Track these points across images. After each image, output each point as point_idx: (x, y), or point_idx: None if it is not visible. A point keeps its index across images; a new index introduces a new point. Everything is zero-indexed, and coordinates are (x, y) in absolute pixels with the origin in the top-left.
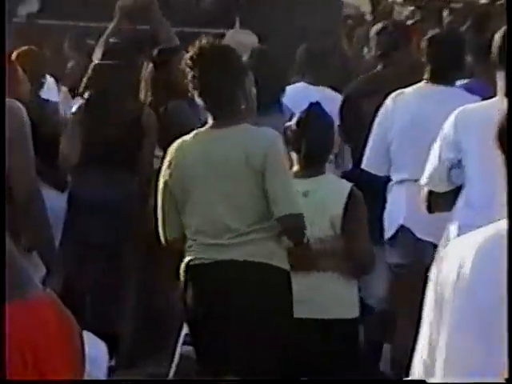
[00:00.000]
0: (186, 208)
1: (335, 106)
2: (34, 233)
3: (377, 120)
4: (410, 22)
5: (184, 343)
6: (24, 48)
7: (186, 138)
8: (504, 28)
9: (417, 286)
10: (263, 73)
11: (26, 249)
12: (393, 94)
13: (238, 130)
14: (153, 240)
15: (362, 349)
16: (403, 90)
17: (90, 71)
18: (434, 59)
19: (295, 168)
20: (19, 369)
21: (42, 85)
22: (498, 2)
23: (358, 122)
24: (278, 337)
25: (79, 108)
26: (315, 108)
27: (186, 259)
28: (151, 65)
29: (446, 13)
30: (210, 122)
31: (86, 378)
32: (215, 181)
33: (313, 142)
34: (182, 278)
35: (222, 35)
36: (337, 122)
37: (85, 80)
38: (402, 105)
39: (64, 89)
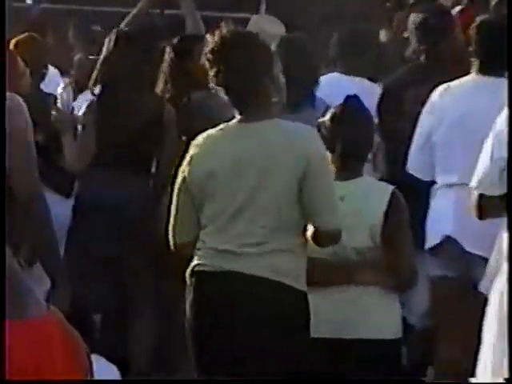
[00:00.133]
0: (203, 209)
1: (373, 100)
2: (35, 237)
3: (422, 117)
4: (458, 8)
5: None
6: (24, 35)
7: (211, 132)
8: None
9: (463, 301)
10: (293, 64)
11: (27, 262)
12: (440, 88)
13: (270, 125)
14: (167, 251)
15: (404, 373)
16: (450, 83)
17: (100, 62)
18: (483, 48)
19: None
20: None
21: (43, 76)
22: None
23: (399, 118)
24: (289, 365)
25: (90, 105)
26: (352, 102)
27: (193, 263)
28: (172, 53)
29: None
30: (238, 116)
31: None
32: (239, 181)
33: (350, 141)
34: (187, 282)
35: (246, 21)
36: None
37: (95, 73)
38: (450, 100)
39: (66, 80)
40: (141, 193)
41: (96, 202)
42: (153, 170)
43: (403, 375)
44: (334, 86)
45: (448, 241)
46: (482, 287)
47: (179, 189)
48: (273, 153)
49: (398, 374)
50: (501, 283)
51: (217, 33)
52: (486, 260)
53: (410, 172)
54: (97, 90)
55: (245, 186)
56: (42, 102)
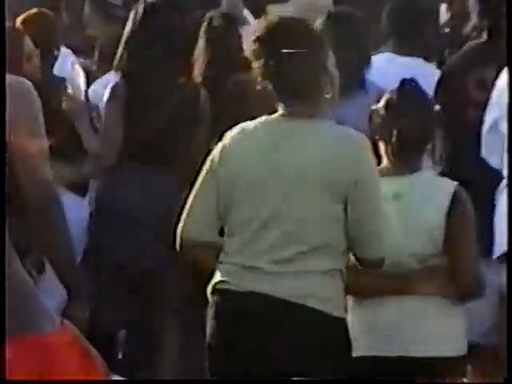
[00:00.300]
0: (229, 214)
1: (431, 84)
2: (50, 245)
3: (493, 100)
4: None
5: None
6: (33, 11)
7: (250, 124)
8: None
9: None
10: (342, 42)
11: (36, 270)
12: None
13: (317, 127)
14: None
15: None
16: None
17: (125, 40)
18: None
19: (384, 163)
20: None
21: (55, 59)
22: None
23: (461, 105)
24: None
25: (114, 92)
26: (409, 86)
27: (215, 279)
28: (207, 31)
29: None
30: (281, 110)
31: None
32: (272, 188)
33: (406, 130)
34: (209, 299)
35: None
36: None
37: (120, 52)
38: None
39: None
40: (171, 194)
41: (121, 205)
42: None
43: None
44: (385, 69)
45: None
46: None
47: (204, 180)
48: (315, 162)
49: None
50: None
51: (262, 20)
52: None
53: (484, 156)
54: (120, 73)
55: (278, 195)
56: (53, 88)
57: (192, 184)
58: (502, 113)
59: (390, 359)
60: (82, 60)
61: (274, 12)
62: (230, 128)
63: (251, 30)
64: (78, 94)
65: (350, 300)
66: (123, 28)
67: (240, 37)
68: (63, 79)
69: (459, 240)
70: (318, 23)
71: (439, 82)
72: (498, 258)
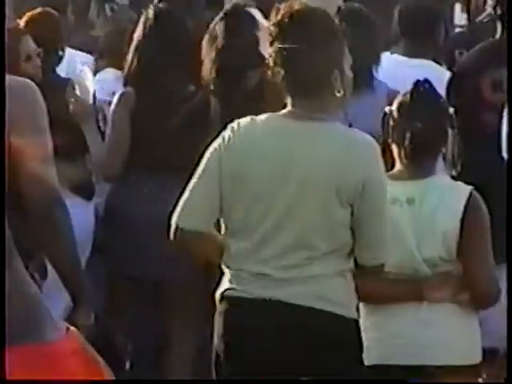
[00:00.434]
0: (235, 217)
1: (443, 86)
2: (53, 250)
3: None
4: None
5: None
6: (38, 10)
7: (257, 121)
8: None
9: None
10: (351, 39)
11: (40, 275)
12: None
13: (326, 129)
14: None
15: None
16: None
17: (135, 46)
18: None
19: (397, 167)
20: None
21: (59, 59)
22: None
23: (475, 107)
24: None
25: (121, 97)
26: (423, 88)
27: (224, 286)
28: (221, 24)
29: None
30: (290, 107)
31: None
32: (283, 191)
33: (420, 133)
34: (217, 307)
35: None
36: None
37: (130, 58)
38: None
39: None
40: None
41: (132, 215)
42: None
43: None
44: (395, 70)
45: None
46: None
47: (207, 170)
48: (323, 167)
49: None
50: None
51: (285, 5)
52: None
53: (504, 156)
54: (130, 80)
55: (285, 199)
56: (57, 88)
57: None
58: None
59: (403, 368)
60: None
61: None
62: None
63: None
64: (86, 96)
65: (363, 307)
66: (132, 29)
67: (255, 32)
68: (67, 79)
69: (474, 245)
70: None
71: (451, 83)
72: None
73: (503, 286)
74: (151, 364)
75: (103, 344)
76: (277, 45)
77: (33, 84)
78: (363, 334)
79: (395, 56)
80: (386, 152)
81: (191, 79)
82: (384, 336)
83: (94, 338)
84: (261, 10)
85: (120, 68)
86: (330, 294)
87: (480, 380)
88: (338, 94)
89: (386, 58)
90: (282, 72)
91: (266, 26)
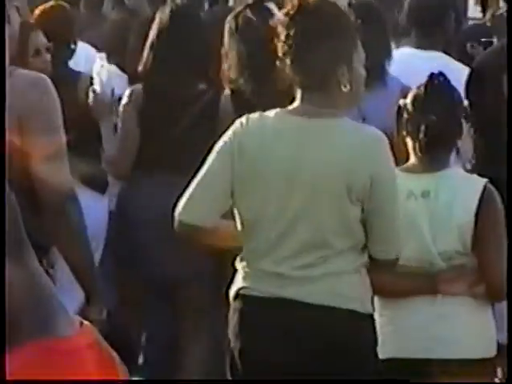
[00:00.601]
0: (248, 216)
1: (456, 78)
2: (67, 250)
3: None
4: None
5: None
6: (49, 3)
7: (268, 118)
8: None
9: None
10: (365, 35)
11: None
12: None
13: (335, 129)
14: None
15: None
16: None
17: (150, 44)
18: None
19: (411, 160)
20: None
21: (71, 53)
22: None
23: (494, 103)
24: None
25: (131, 96)
26: (438, 81)
27: (238, 284)
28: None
29: None
30: (297, 102)
31: None
32: (293, 188)
33: (435, 126)
34: (231, 305)
35: None
36: None
37: (145, 57)
38: None
39: (101, 55)
40: None
41: (143, 214)
42: None
43: None
44: (407, 63)
45: None
46: None
47: (216, 163)
48: (333, 164)
49: None
50: None
51: None
52: None
53: None
54: (143, 74)
55: (298, 198)
56: (69, 81)
57: None
58: None
59: (418, 361)
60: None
61: None
62: None
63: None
64: (106, 91)
65: (378, 301)
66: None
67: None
68: (79, 73)
69: (488, 239)
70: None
71: (470, 81)
72: None
73: None
74: (164, 360)
75: (116, 337)
76: (285, 32)
77: (46, 78)
78: (378, 328)
79: (406, 48)
80: (400, 145)
81: (202, 77)
82: (399, 329)
83: (107, 332)
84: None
85: (121, 64)
86: (345, 291)
87: (498, 373)
88: (344, 89)
89: (397, 51)
90: (289, 64)
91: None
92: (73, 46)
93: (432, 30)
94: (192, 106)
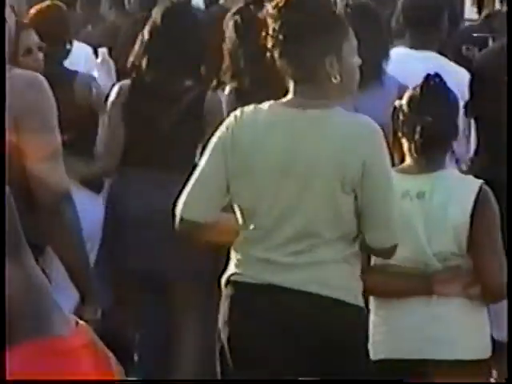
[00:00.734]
0: (243, 206)
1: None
2: (62, 250)
3: None
4: None
5: None
6: (46, 3)
7: (261, 110)
8: None
9: None
10: (360, 34)
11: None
12: None
13: (327, 118)
14: (217, 267)
15: None
16: None
17: (141, 42)
18: None
19: (407, 161)
20: None
21: (67, 52)
22: None
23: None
24: None
25: (119, 92)
26: (434, 82)
27: (230, 270)
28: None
29: None
30: (290, 95)
31: None
32: (286, 179)
33: (430, 127)
34: (222, 291)
35: None
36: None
37: (135, 50)
38: None
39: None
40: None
41: (131, 211)
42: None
43: None
44: (402, 63)
45: None
46: None
47: (212, 158)
48: (324, 153)
49: None
50: None
51: None
52: None
53: None
54: (134, 72)
55: (291, 187)
56: (65, 80)
57: None
58: None
59: (412, 362)
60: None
61: None
62: None
63: None
64: (108, 85)
65: (373, 301)
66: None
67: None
68: (75, 72)
69: (483, 240)
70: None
71: (473, 80)
72: None
73: None
74: (159, 359)
75: (111, 336)
76: (273, 25)
77: (41, 77)
78: (372, 328)
79: (401, 49)
80: (395, 146)
81: (189, 74)
82: (393, 330)
83: (102, 331)
84: None
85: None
86: (331, 279)
87: (494, 374)
88: (334, 81)
89: (392, 50)
90: (278, 57)
91: None
92: (68, 46)
93: (426, 30)
94: (178, 102)
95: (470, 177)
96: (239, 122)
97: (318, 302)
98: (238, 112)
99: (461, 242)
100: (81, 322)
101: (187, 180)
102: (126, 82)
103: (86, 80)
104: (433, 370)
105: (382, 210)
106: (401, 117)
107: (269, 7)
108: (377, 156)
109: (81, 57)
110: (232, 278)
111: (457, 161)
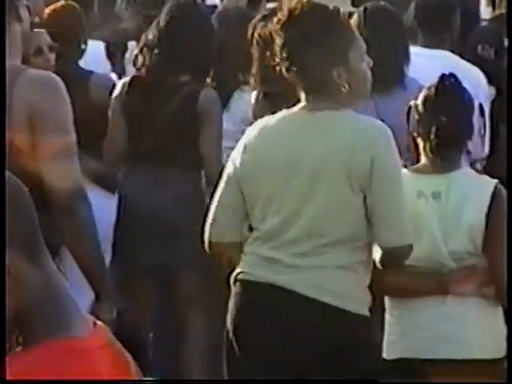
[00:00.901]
0: (254, 208)
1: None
2: (77, 249)
3: None
4: None
5: None
6: (60, 3)
7: (270, 119)
8: None
9: None
10: (381, 37)
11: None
12: None
13: (337, 117)
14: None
15: None
16: None
17: (144, 42)
18: None
19: (422, 161)
20: None
21: (82, 52)
22: None
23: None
24: None
25: (122, 85)
26: (449, 82)
27: (238, 269)
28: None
29: None
30: (303, 102)
31: None
32: (293, 180)
33: (446, 127)
34: (231, 289)
35: None
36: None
37: (138, 51)
38: None
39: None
40: (182, 192)
41: (134, 208)
42: (196, 165)
43: None
44: (415, 62)
45: None
46: None
47: (227, 180)
48: (332, 152)
49: None
50: None
51: (289, 2)
52: None
53: None
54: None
55: (299, 186)
56: (79, 80)
57: (209, 185)
58: None
59: (427, 361)
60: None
61: None
62: None
63: None
64: None
65: (388, 301)
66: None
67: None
68: (90, 72)
69: (499, 240)
70: (354, 19)
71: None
72: None
73: None
74: (169, 353)
75: (126, 336)
76: (278, 41)
77: (56, 77)
78: (387, 328)
79: (413, 48)
80: (412, 146)
81: (187, 69)
82: (408, 330)
83: (118, 331)
84: None
85: None
86: (335, 287)
87: None
88: (343, 90)
89: None
90: (285, 71)
91: None
92: (83, 46)
93: (437, 29)
94: (172, 97)
95: (486, 176)
96: (251, 131)
97: (317, 307)
98: (251, 126)
99: (476, 241)
100: (99, 322)
101: (187, 177)
102: (125, 80)
103: (101, 80)
104: (447, 370)
105: (390, 208)
106: (416, 117)
107: (276, 19)
108: (384, 154)
109: (97, 56)
110: (239, 277)
111: (472, 163)
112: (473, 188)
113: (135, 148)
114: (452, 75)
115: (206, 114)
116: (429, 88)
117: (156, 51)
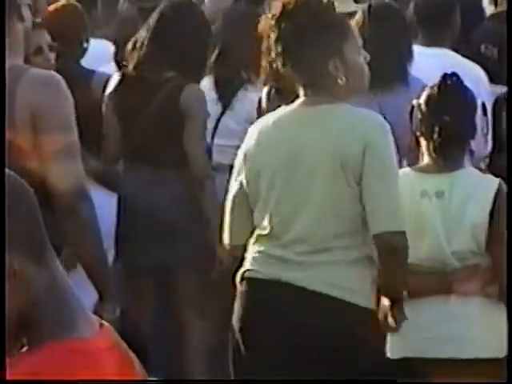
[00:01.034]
0: (257, 205)
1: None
2: (80, 249)
3: None
4: None
5: None
6: (61, 2)
7: (271, 117)
8: None
9: None
10: (384, 35)
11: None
12: None
13: (332, 112)
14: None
15: None
16: None
17: (136, 40)
18: None
19: (425, 160)
20: None
21: (83, 51)
22: None
23: None
24: None
25: (113, 81)
26: (451, 81)
27: (244, 267)
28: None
29: None
30: (302, 98)
31: None
32: (294, 176)
33: (449, 127)
34: (237, 287)
35: None
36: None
37: (129, 48)
38: None
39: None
40: (172, 191)
41: (131, 207)
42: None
43: None
44: (416, 60)
45: None
46: None
47: (235, 182)
48: (329, 144)
49: None
50: None
51: None
52: None
53: None
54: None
55: (298, 185)
56: (80, 80)
57: (197, 183)
58: None
59: (430, 361)
60: None
61: None
62: None
63: None
64: None
65: None
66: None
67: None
68: (92, 71)
69: (503, 239)
70: (358, 16)
71: None
72: None
73: None
74: (168, 354)
75: (130, 335)
76: (273, 37)
77: (59, 76)
78: None
79: (414, 47)
80: (414, 145)
81: (172, 65)
82: (411, 329)
83: (121, 331)
84: None
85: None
86: (344, 281)
87: None
88: (340, 82)
89: None
90: (281, 66)
91: None
92: (85, 45)
93: (437, 28)
94: (155, 93)
95: (489, 175)
96: (252, 133)
97: (327, 302)
98: (252, 126)
99: (479, 240)
100: (105, 323)
101: (181, 176)
102: (115, 76)
103: (103, 79)
104: (451, 369)
105: (382, 194)
106: (419, 116)
107: (271, 15)
108: (378, 143)
109: (100, 55)
110: (246, 275)
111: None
112: (476, 187)
113: (127, 146)
114: (454, 74)
115: (189, 110)
116: (431, 87)
117: (144, 48)
